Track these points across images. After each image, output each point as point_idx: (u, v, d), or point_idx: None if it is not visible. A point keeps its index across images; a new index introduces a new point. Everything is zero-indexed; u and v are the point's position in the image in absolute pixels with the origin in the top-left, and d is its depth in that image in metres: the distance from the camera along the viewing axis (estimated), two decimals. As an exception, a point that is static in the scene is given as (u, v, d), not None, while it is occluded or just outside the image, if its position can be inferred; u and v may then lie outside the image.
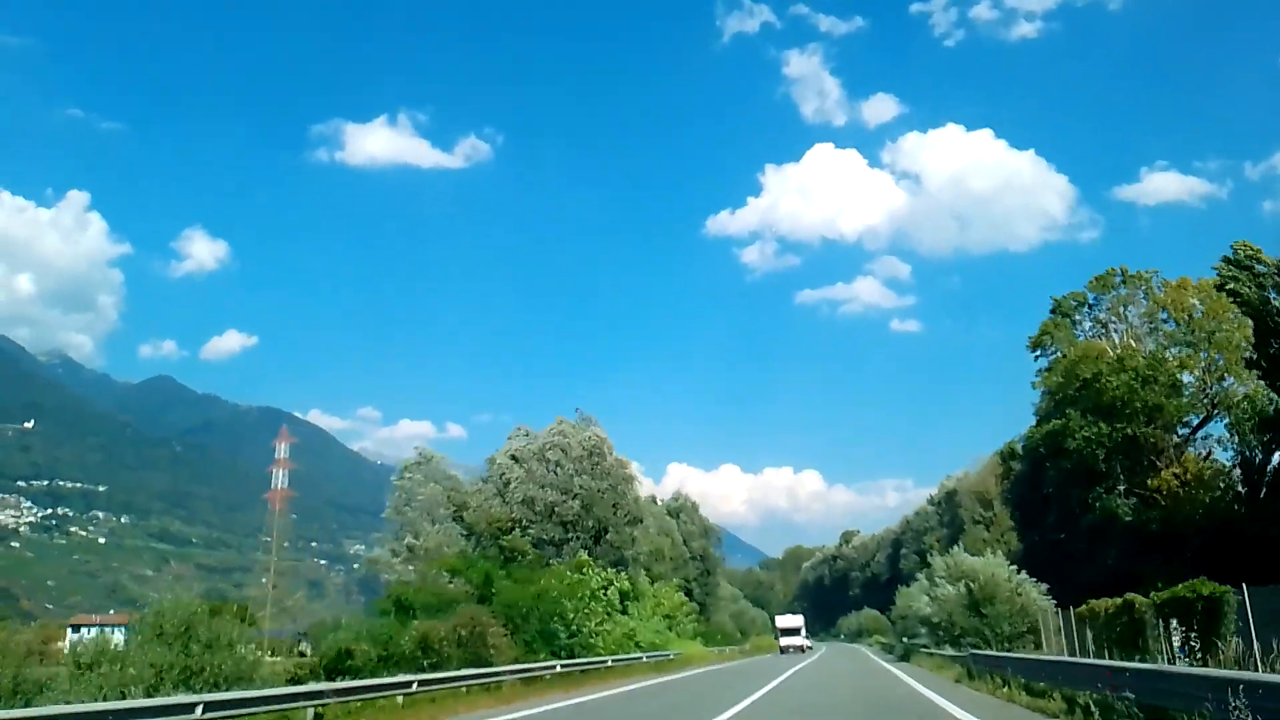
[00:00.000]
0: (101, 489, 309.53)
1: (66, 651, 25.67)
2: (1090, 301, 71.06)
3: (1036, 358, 71.57)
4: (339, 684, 20.66)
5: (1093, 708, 16.55)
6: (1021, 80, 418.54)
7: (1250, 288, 59.51)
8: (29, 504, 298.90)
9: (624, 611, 54.97)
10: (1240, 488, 59.38)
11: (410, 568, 45.99)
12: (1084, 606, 30.80)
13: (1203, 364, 61.68)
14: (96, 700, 15.09)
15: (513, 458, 57.99)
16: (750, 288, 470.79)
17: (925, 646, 52.89)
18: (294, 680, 24.59)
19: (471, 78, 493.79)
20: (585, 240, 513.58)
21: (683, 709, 22.16)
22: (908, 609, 73.99)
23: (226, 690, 17.21)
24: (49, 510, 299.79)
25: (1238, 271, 58.56)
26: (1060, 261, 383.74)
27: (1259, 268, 59.69)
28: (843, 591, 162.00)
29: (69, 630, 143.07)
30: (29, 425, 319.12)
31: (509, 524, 54.75)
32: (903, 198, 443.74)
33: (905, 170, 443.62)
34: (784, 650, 76.16)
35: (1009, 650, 49.58)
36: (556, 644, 37.45)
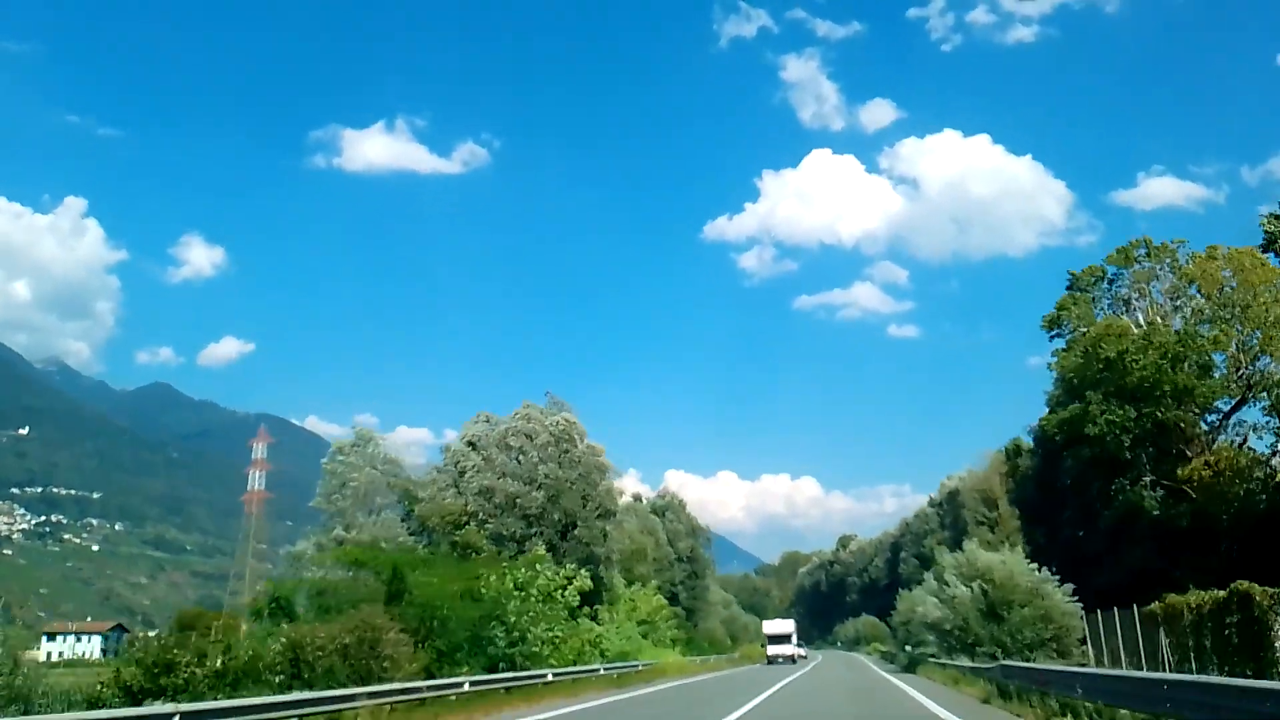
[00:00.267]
0: (96, 496, 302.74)
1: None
2: (1110, 276, 64.03)
3: (1052, 337, 64.39)
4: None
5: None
6: (1019, 85, 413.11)
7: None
8: (23, 511, 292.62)
9: (594, 617, 47.68)
10: (1280, 478, 51.86)
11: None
12: (1156, 604, 23.63)
13: (1237, 340, 54.56)
14: None
15: (469, 444, 50.68)
16: (748, 293, 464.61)
17: (934, 656, 45.49)
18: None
19: (469, 83, 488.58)
20: (583, 246, 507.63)
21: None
22: (911, 614, 66.54)
23: None
24: (43, 517, 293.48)
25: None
26: (1058, 266, 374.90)
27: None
28: (840, 597, 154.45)
29: (44, 638, 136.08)
30: (24, 431, 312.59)
31: (463, 517, 47.41)
32: (900, 203, 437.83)
33: (903, 175, 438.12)
34: (772, 660, 66.79)
35: (1031, 660, 42.27)
36: (491, 653, 30.17)
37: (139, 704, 16.50)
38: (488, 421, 52.46)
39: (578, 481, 50.40)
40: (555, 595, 37.34)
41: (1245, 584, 17.37)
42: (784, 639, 69.97)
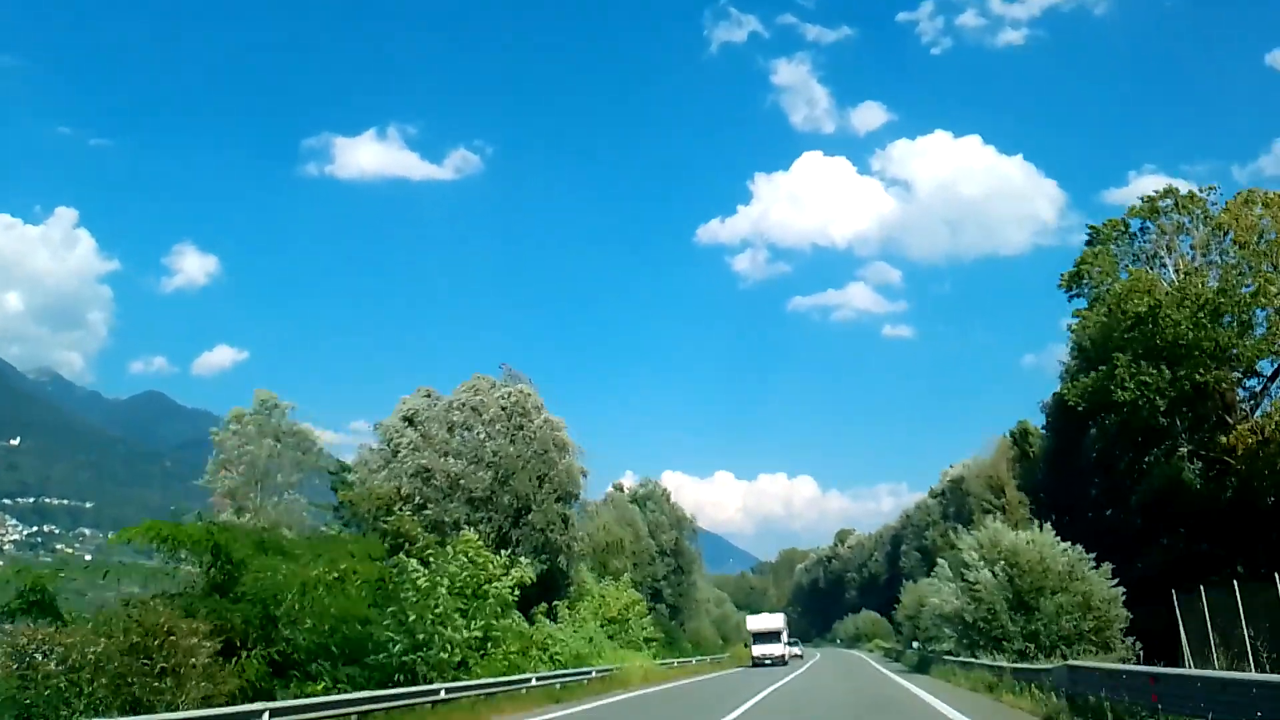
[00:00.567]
0: (89, 506, 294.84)
1: None
2: (1134, 231, 56.39)
3: (1071, 296, 56.68)
4: None
5: None
6: (1009, 87, 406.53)
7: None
8: (15, 521, 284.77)
9: (551, 615, 39.85)
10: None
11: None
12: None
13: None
14: None
15: (405, 419, 42.82)
16: (742, 295, 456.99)
17: (950, 653, 37.58)
18: None
19: (461, 90, 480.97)
20: (577, 251, 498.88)
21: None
22: (919, 607, 58.63)
23: None
24: (35, 527, 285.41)
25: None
26: (1051, 265, 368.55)
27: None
28: (838, 594, 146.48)
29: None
30: (15, 442, 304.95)
31: (395, 501, 39.58)
32: (892, 204, 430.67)
33: (895, 177, 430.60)
34: (757, 662, 56.18)
35: (1069, 657, 34.44)
36: (377, 662, 22.31)
37: None
38: (429, 396, 44.62)
39: (533, 460, 42.55)
40: (488, 588, 29.51)
41: None
42: (772, 636, 58.89)
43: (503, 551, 33.84)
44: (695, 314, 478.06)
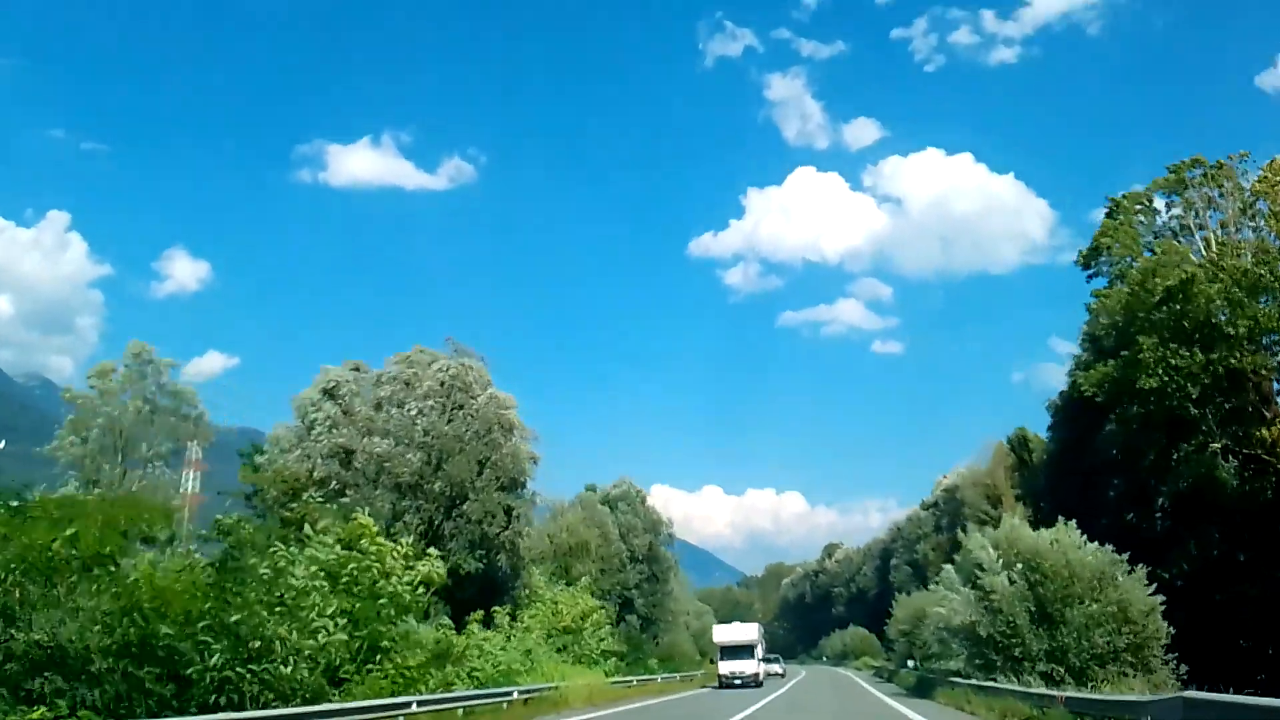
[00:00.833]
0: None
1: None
2: (1157, 208, 50.22)
3: (1090, 276, 50.39)
4: None
5: None
6: (1001, 105, 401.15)
7: None
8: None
9: (488, 622, 33.06)
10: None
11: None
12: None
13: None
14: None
15: (325, 392, 36.11)
16: (733, 309, 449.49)
17: (956, 674, 30.73)
18: None
19: (455, 99, 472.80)
20: (568, 261, 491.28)
21: None
22: (915, 621, 51.86)
23: None
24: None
25: None
26: (1041, 283, 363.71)
27: None
28: (825, 609, 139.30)
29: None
30: (1, 445, 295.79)
31: (306, 484, 32.91)
32: (884, 220, 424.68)
33: (887, 193, 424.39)
34: (726, 683, 45.58)
35: (1101, 680, 27.85)
36: (189, 670, 15.51)
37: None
38: (357, 370, 37.93)
39: (472, 442, 35.83)
40: (383, 585, 22.85)
41: None
42: (743, 651, 47.17)
43: (418, 545, 27.17)
44: (686, 327, 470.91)
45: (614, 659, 41.40)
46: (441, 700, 20.84)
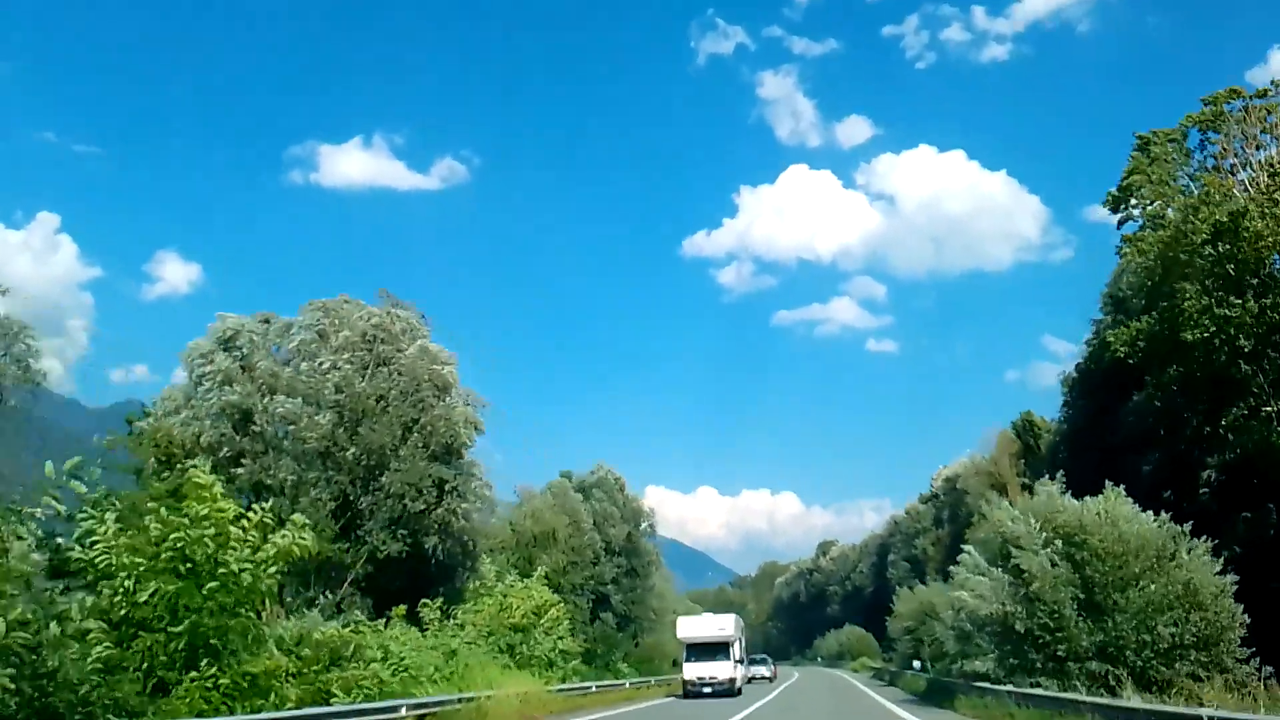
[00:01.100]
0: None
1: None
2: (1191, 148, 44.07)
3: (1121, 221, 44.23)
4: None
5: None
6: (993, 102, 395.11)
7: None
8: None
9: (414, 619, 26.73)
10: None
11: None
12: None
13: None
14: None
15: (220, 342, 29.71)
16: (727, 309, 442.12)
17: (986, 678, 24.22)
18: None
19: (447, 99, 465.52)
20: (562, 262, 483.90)
21: None
22: (920, 617, 45.58)
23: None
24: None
25: None
26: (1033, 282, 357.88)
27: None
28: (820, 608, 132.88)
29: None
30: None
31: (191, 451, 26.53)
32: (877, 218, 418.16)
33: (879, 191, 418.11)
34: (692, 690, 36.28)
35: (1165, 681, 21.62)
36: None
37: None
38: (267, 322, 31.52)
39: (396, 401, 29.48)
40: (229, 562, 16.56)
41: None
42: (715, 650, 37.18)
43: (326, 520, 20.81)
44: (680, 327, 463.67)
45: (575, 661, 35.00)
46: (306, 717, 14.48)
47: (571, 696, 28.64)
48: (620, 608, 56.90)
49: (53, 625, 12.82)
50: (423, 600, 27.69)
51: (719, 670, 36.66)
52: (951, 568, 27.21)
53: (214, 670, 15.72)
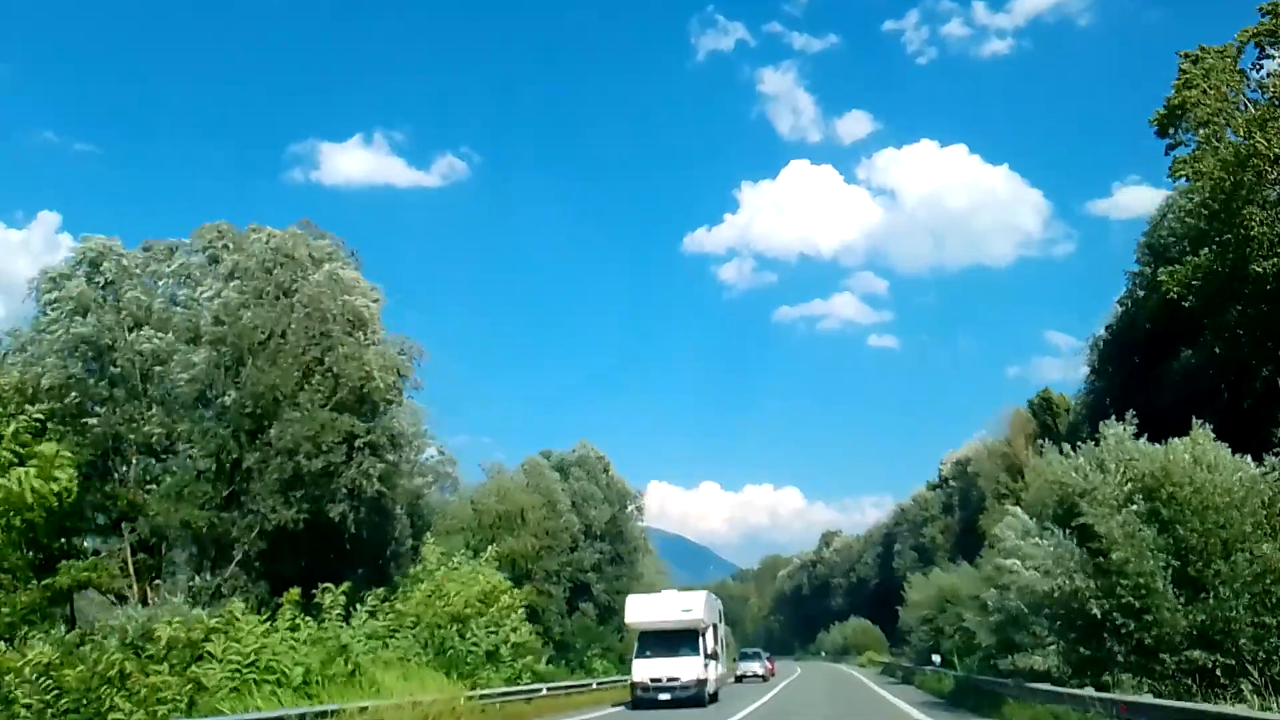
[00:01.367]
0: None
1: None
2: (1244, 68, 37.56)
3: (1169, 147, 37.65)
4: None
5: None
6: (994, 96, 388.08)
7: None
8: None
9: (310, 607, 20.66)
10: None
11: None
12: None
13: None
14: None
15: (87, 264, 23.65)
16: (728, 305, 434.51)
17: (1043, 676, 17.97)
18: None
19: (447, 96, 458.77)
20: (562, 258, 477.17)
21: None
22: (941, 605, 39.39)
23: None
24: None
25: None
26: (1035, 277, 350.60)
27: None
28: (823, 601, 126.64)
29: None
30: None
31: (29, 395, 20.54)
32: (879, 213, 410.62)
33: (881, 186, 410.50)
34: (642, 698, 26.50)
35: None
36: None
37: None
38: (148, 250, 25.43)
39: (296, 338, 23.45)
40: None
41: None
42: (677, 641, 27.23)
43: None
44: (681, 323, 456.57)
45: (529, 658, 28.90)
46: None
47: (509, 703, 22.47)
48: (603, 598, 50.73)
49: None
50: (324, 585, 21.64)
51: (682, 668, 26.24)
52: (996, 530, 20.93)
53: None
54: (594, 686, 32.72)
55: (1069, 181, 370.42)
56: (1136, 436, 19.31)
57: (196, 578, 21.68)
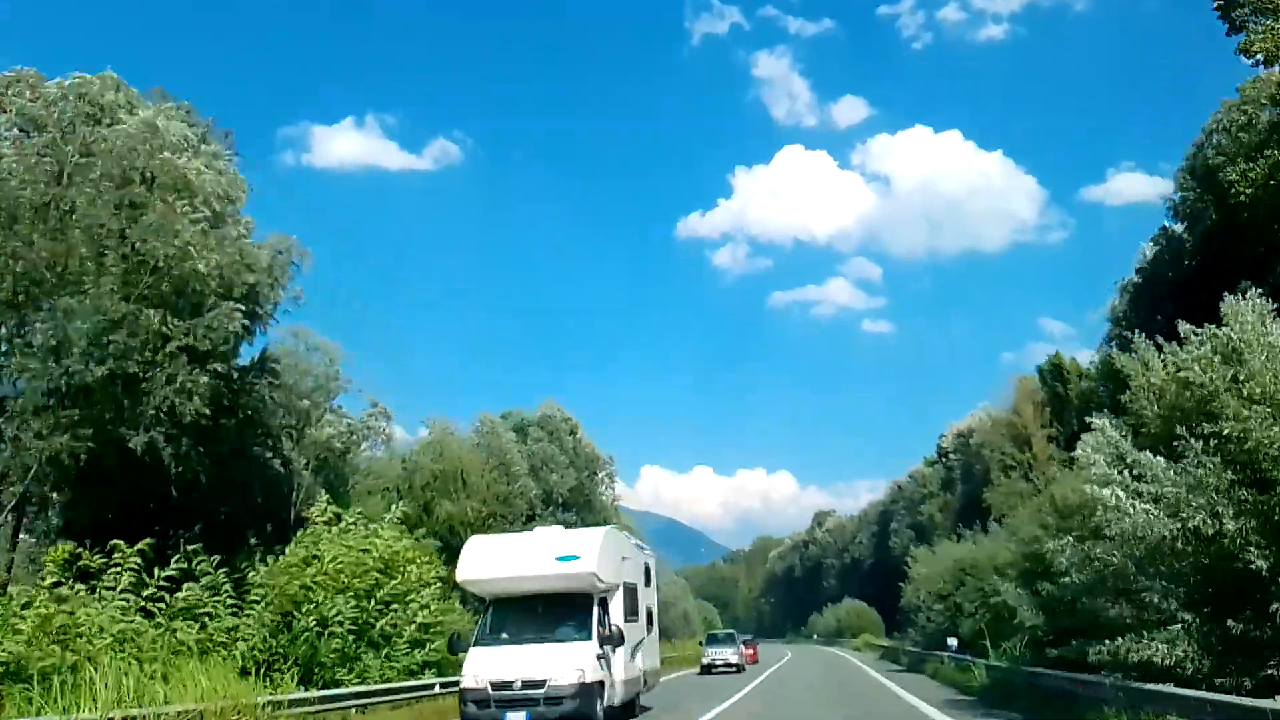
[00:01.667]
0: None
1: None
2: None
3: (1230, 31, 30.96)
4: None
5: None
6: (989, 82, 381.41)
7: None
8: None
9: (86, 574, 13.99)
10: None
11: None
12: None
13: None
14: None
15: None
16: (723, 290, 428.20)
17: (1168, 674, 11.32)
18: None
19: (439, 79, 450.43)
20: (555, 243, 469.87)
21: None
22: (959, 579, 32.56)
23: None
24: None
25: None
26: (1029, 263, 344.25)
27: None
28: (816, 583, 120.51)
29: None
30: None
31: None
32: (873, 199, 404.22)
33: (875, 172, 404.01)
34: (473, 716, 14.73)
35: None
36: None
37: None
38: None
39: (87, 203, 16.64)
40: None
41: None
42: (550, 616, 15.81)
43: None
44: (675, 308, 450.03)
45: (440, 642, 22.26)
46: None
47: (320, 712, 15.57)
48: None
49: None
50: (113, 542, 14.93)
51: (553, 663, 14.88)
52: (1079, 452, 13.95)
53: None
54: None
55: (1063, 168, 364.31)
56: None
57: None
